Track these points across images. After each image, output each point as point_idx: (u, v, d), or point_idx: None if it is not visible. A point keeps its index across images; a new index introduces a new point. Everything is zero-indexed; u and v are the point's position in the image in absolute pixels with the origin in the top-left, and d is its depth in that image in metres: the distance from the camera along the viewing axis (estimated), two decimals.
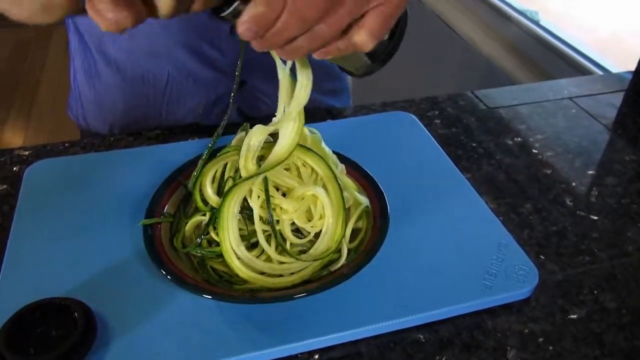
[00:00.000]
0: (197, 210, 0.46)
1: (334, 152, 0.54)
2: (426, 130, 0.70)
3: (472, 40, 1.33)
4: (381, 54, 0.41)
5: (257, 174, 0.42)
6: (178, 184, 0.51)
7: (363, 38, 0.35)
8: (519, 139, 0.71)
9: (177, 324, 0.45)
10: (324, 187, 0.45)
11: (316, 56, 0.37)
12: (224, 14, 0.33)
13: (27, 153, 0.66)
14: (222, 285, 0.43)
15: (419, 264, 0.50)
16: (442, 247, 0.52)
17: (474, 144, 0.70)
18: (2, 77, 2.54)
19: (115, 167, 0.62)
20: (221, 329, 0.44)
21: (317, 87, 0.76)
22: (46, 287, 0.47)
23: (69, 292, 0.47)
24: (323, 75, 0.76)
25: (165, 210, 0.49)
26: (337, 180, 0.45)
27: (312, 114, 0.74)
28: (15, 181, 0.60)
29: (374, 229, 0.47)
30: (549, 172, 0.66)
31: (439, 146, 0.67)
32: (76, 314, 0.44)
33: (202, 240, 0.44)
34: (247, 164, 0.43)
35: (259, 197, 0.43)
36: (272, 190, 0.44)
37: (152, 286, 0.46)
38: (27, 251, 0.51)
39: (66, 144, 0.67)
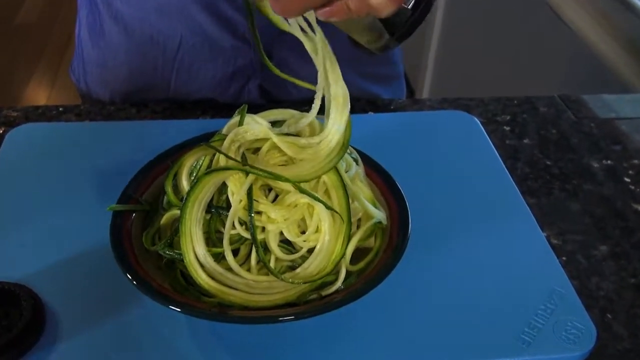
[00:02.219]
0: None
1: (359, 151, 0.53)
2: (488, 138, 0.67)
3: (581, 31, 1.27)
4: (401, 27, 0.40)
5: (226, 169, 0.42)
6: (165, 167, 0.51)
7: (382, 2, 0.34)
8: (608, 161, 0.67)
9: (138, 330, 0.45)
10: (327, 193, 0.44)
11: (320, 16, 0.36)
12: None
13: (15, 114, 0.69)
14: (189, 294, 0.43)
15: (438, 301, 0.48)
16: (474, 284, 0.50)
17: (548, 162, 0.67)
18: (34, 27, 2.70)
19: (108, 141, 0.64)
20: (185, 344, 0.44)
21: (360, 70, 0.76)
22: None
23: (23, 278, 0.48)
24: (374, 57, 0.75)
25: (143, 197, 0.50)
26: (345, 188, 0.44)
27: (351, 103, 0.73)
28: None
29: (386, 250, 0.46)
30: None
31: (499, 159, 0.64)
32: (24, 304, 0.45)
33: (174, 238, 0.44)
34: (228, 160, 0.43)
35: (241, 200, 0.43)
36: (257, 194, 0.43)
37: (115, 283, 0.46)
38: None
39: (60, 109, 0.70)
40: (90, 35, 0.70)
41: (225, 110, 0.70)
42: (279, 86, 0.70)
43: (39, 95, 2.33)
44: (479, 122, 0.70)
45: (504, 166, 0.63)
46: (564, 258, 0.55)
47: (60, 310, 0.47)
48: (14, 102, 2.25)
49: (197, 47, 0.67)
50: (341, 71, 0.70)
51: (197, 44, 0.66)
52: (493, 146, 0.66)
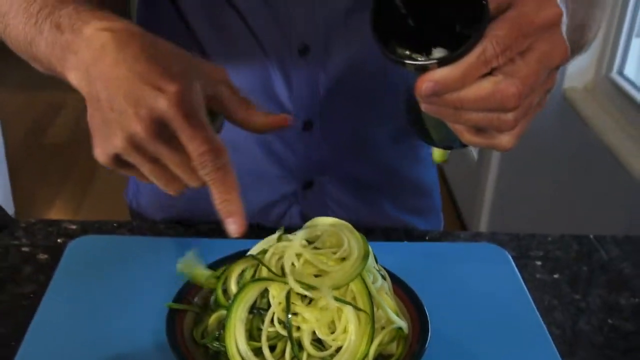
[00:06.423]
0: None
1: (388, 271, 0.71)
2: (517, 271, 0.84)
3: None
4: None
5: (268, 280, 0.61)
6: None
7: (510, 141, 0.47)
8: (635, 299, 0.82)
9: None
10: (354, 300, 0.61)
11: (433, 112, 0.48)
12: (410, 63, 0.46)
13: (74, 227, 0.89)
14: None
15: None
16: None
17: (576, 296, 0.82)
18: (65, 145, 3.04)
19: (158, 254, 0.83)
20: None
21: (400, 203, 0.94)
22: None
23: None
24: (409, 190, 0.94)
25: (195, 300, 0.68)
26: (370, 295, 0.61)
27: (388, 232, 0.91)
28: (57, 253, 0.83)
29: (406, 358, 0.62)
30: None
31: (526, 291, 0.80)
32: None
33: (220, 333, 0.62)
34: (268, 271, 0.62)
35: (280, 303, 0.60)
36: (294, 298, 0.61)
37: None
38: (51, 325, 0.71)
39: (115, 224, 0.90)
40: None
41: (266, 234, 0.89)
42: (320, 213, 0.89)
43: (64, 215, 2.59)
44: (509, 256, 0.86)
45: (529, 297, 0.79)
46: None
47: None
48: None
49: (244, 176, 0.86)
50: (381, 203, 0.92)
51: (244, 173, 0.86)
52: (521, 278, 0.82)
